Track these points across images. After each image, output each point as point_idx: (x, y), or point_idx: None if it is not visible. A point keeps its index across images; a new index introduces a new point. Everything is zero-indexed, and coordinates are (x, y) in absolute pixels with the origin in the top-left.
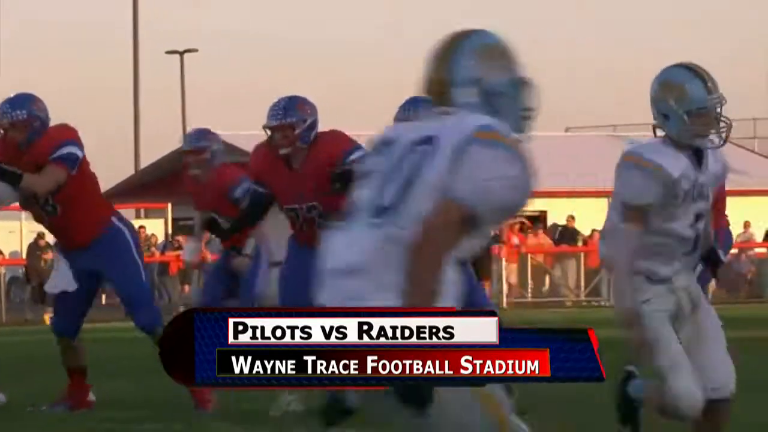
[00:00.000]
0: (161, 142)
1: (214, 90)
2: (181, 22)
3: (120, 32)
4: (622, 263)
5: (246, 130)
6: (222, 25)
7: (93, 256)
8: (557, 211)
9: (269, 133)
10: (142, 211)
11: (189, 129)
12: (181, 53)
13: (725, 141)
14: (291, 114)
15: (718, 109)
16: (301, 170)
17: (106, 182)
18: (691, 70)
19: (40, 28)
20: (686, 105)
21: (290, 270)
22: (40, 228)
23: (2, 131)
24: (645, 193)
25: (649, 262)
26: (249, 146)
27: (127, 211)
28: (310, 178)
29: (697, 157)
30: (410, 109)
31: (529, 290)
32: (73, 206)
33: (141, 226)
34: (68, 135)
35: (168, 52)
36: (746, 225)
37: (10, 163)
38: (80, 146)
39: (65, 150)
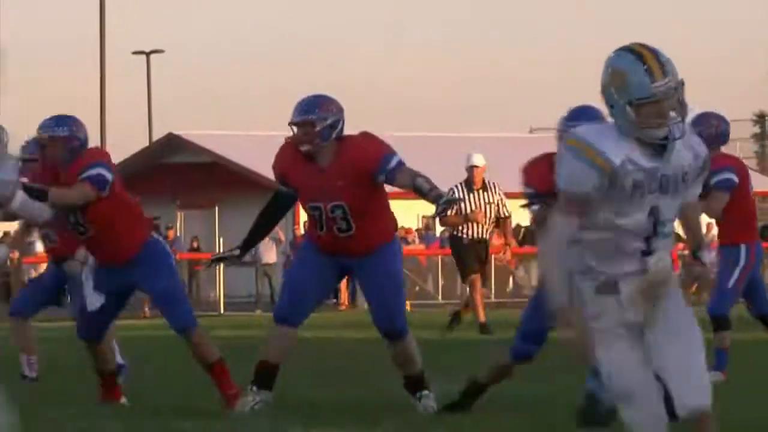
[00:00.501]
0: (127, 142)
1: (179, 90)
2: (148, 24)
3: (87, 33)
4: (554, 259)
5: (212, 130)
6: (188, 27)
7: (128, 272)
8: (521, 212)
9: (294, 129)
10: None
11: (155, 129)
12: (148, 54)
13: (682, 134)
14: (313, 111)
15: (677, 97)
16: (327, 169)
17: None
18: (636, 55)
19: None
20: (626, 95)
21: (297, 271)
22: (6, 227)
23: (42, 146)
24: (583, 181)
25: (595, 261)
26: (215, 146)
27: None
28: (338, 177)
29: (660, 144)
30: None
31: (493, 290)
32: (107, 228)
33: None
34: (97, 157)
35: (135, 53)
36: (709, 227)
37: (44, 183)
38: (110, 169)
39: (93, 171)
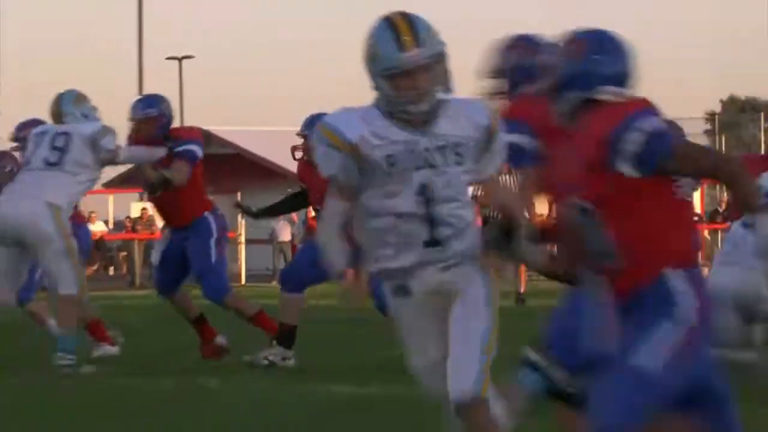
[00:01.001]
0: None
1: (207, 91)
2: (180, 31)
3: (125, 39)
4: (325, 240)
5: (236, 125)
6: (214, 34)
7: (183, 237)
8: None
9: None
10: (144, 195)
11: (186, 124)
12: (180, 59)
13: (444, 107)
14: (307, 127)
15: (441, 69)
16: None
17: (114, 170)
18: (388, 23)
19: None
20: (377, 66)
21: (302, 247)
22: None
23: (135, 126)
24: (329, 164)
25: (381, 255)
26: (238, 140)
27: (131, 195)
28: None
29: (423, 120)
30: None
31: None
32: (174, 195)
33: (143, 208)
34: (196, 135)
35: (168, 59)
36: None
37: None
38: (201, 147)
39: (191, 146)
